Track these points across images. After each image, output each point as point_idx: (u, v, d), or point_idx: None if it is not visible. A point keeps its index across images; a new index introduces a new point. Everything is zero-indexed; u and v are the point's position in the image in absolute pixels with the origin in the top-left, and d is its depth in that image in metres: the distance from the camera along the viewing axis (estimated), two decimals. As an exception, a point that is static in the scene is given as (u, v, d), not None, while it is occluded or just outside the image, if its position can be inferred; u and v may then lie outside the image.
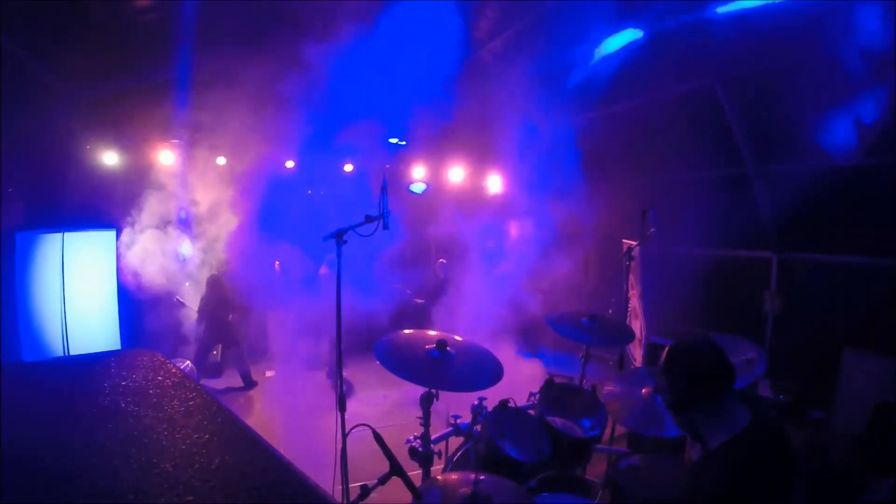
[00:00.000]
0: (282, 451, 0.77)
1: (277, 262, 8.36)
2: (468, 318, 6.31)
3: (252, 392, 6.67)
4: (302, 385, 6.99)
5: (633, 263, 5.16)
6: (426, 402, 2.48)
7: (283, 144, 7.53)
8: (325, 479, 3.32)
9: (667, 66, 5.27)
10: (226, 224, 7.25)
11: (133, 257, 6.71)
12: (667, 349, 1.77)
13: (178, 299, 6.94)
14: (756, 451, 1.59)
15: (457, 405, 3.45)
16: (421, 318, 7.81)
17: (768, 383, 4.74)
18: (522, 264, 8.20)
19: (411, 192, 7.82)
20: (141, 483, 0.62)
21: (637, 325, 5.91)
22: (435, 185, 8.87)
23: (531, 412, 3.02)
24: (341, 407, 2.91)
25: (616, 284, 5.69)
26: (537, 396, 3.12)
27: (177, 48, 5.02)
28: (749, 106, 5.23)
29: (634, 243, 4.24)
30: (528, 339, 7.95)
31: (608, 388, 2.83)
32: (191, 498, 0.60)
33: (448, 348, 2.45)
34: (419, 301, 8.47)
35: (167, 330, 6.98)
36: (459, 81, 6.19)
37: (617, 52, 5.36)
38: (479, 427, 2.82)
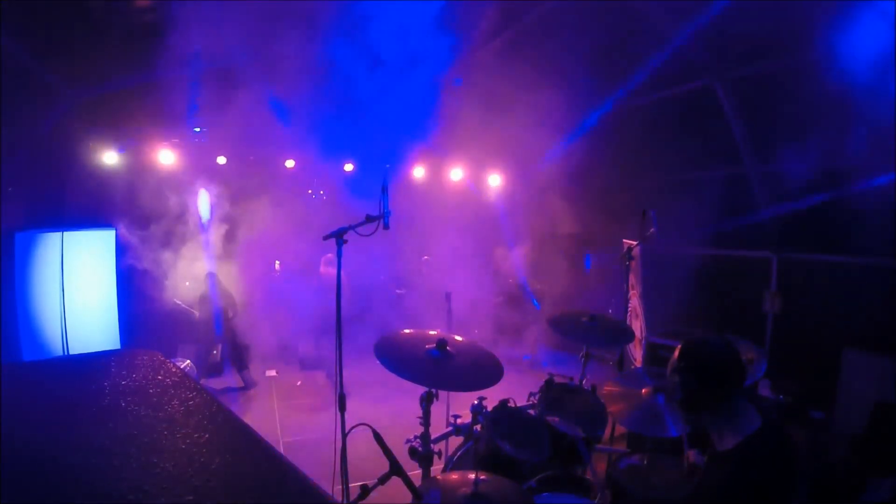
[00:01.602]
0: (282, 451, 0.77)
1: (278, 262, 8.37)
2: (461, 318, 6.33)
3: (252, 392, 6.67)
4: (302, 385, 7.00)
5: (633, 263, 5.15)
6: (426, 402, 2.48)
7: (284, 144, 7.55)
8: (325, 479, 3.33)
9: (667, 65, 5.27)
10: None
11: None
12: (680, 346, 1.75)
13: (175, 301, 6.93)
14: (768, 456, 1.58)
15: (457, 405, 3.46)
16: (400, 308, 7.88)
17: (768, 383, 4.74)
18: (521, 264, 8.22)
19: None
20: (141, 483, 0.62)
21: (637, 325, 5.91)
22: (434, 185, 8.88)
23: (531, 412, 3.02)
24: (341, 407, 2.91)
25: (616, 284, 5.68)
26: (537, 396, 3.12)
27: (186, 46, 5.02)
28: (749, 106, 5.24)
29: (634, 243, 4.24)
30: (528, 341, 7.97)
31: (608, 388, 2.83)
32: (191, 498, 0.60)
33: (448, 348, 2.45)
34: (399, 292, 8.52)
35: (167, 330, 6.98)
36: (459, 80, 6.20)
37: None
38: (479, 427, 2.82)
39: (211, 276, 6.78)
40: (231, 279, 7.09)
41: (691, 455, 2.14)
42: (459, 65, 5.96)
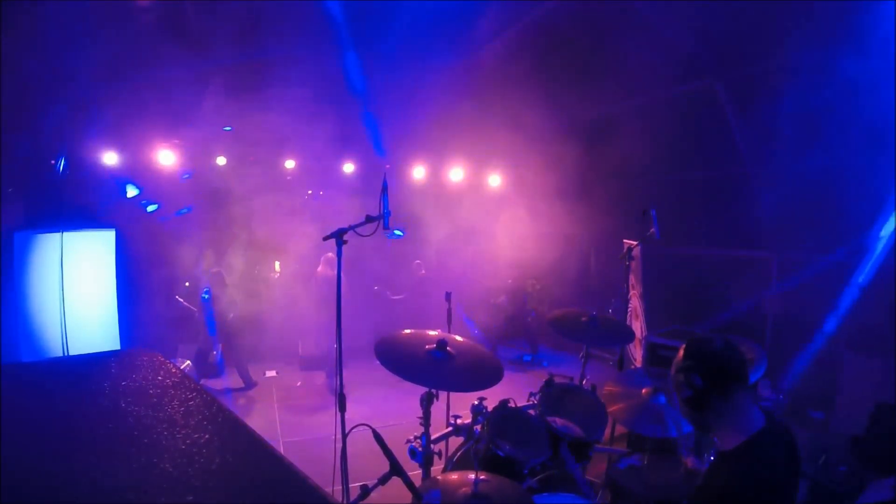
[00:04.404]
0: (282, 451, 0.77)
1: (277, 263, 8.37)
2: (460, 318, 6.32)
3: (252, 392, 6.66)
4: (302, 385, 7.00)
5: (633, 263, 5.15)
6: (426, 402, 2.48)
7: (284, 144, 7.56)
8: (325, 479, 3.32)
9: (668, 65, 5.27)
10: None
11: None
12: (684, 345, 1.76)
13: (178, 298, 6.92)
14: (771, 456, 1.59)
15: (457, 405, 3.46)
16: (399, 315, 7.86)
17: (768, 383, 4.74)
18: (522, 264, 8.22)
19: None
20: (141, 483, 0.62)
21: (637, 326, 5.91)
22: (433, 184, 8.87)
23: (531, 412, 3.02)
24: (341, 407, 2.91)
25: (616, 284, 5.68)
26: (537, 396, 3.12)
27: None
28: (749, 106, 5.23)
29: (634, 243, 4.24)
30: (528, 340, 7.97)
31: (608, 388, 2.82)
32: (191, 498, 0.60)
33: (448, 348, 2.45)
34: (396, 298, 8.51)
35: (167, 330, 6.98)
36: (460, 80, 6.20)
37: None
38: (479, 427, 2.82)
39: (214, 274, 6.76)
40: (231, 279, 7.09)
41: (689, 462, 2.14)
42: (460, 64, 5.96)
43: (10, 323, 5.54)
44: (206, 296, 6.54)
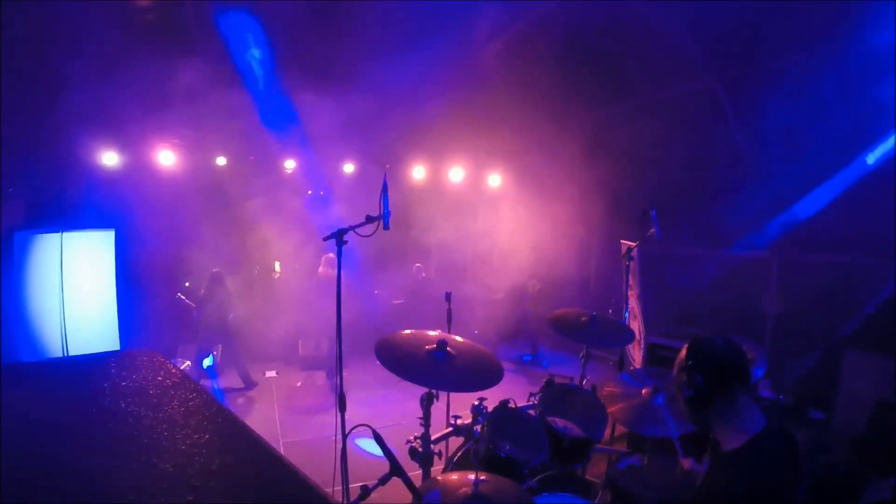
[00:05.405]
0: (282, 451, 0.77)
1: (277, 263, 8.36)
2: (462, 320, 6.30)
3: (252, 392, 6.66)
4: (302, 385, 7.00)
5: (632, 264, 5.15)
6: (426, 402, 2.48)
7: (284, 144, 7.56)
8: (325, 479, 3.32)
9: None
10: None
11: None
12: (687, 345, 1.76)
13: (179, 296, 6.91)
14: (773, 457, 1.59)
15: (457, 405, 3.46)
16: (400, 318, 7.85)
17: (768, 383, 4.74)
18: (522, 264, 8.22)
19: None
20: (141, 483, 0.62)
21: (635, 326, 5.91)
22: (431, 184, 8.87)
23: (531, 412, 3.02)
24: (341, 407, 2.91)
25: (616, 284, 5.67)
26: (537, 396, 3.12)
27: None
28: (750, 106, 5.23)
29: (634, 243, 4.24)
30: (528, 340, 7.97)
31: (608, 388, 2.82)
32: (191, 498, 0.59)
33: (448, 349, 2.44)
34: (397, 302, 8.50)
35: (167, 329, 6.98)
36: (461, 80, 6.20)
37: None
38: (479, 427, 2.82)
39: (215, 274, 6.75)
40: (230, 279, 7.08)
41: (686, 463, 2.14)
42: (461, 63, 5.96)
43: (10, 323, 5.54)
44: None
